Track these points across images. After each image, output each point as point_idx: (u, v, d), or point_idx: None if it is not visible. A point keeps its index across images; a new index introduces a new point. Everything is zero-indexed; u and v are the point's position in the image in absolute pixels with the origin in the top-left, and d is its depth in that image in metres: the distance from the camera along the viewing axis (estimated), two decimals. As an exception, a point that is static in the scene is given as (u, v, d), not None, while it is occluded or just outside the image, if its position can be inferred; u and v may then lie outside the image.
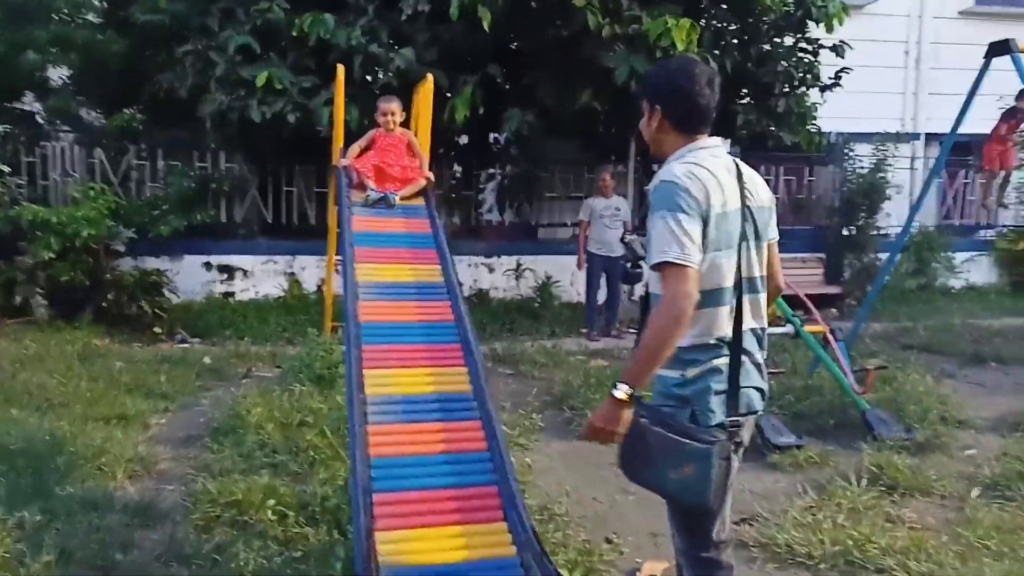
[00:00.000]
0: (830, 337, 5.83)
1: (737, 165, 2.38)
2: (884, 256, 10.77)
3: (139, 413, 5.20)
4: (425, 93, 5.69)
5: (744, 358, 2.30)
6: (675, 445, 2.20)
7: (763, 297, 2.39)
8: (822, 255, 10.96)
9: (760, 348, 2.38)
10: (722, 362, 2.26)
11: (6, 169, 8.10)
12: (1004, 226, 12.15)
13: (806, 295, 6.17)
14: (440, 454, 3.12)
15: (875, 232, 10.85)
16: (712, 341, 2.26)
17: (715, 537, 2.38)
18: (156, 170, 9.41)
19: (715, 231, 2.23)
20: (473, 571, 2.56)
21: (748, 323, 2.32)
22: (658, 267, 2.18)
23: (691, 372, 2.25)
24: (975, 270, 11.59)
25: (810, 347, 5.89)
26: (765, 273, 2.39)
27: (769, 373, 5.51)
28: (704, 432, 2.21)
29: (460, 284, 4.17)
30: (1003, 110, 9.40)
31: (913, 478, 4.29)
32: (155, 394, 5.73)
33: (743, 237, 2.30)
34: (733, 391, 2.26)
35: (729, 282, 2.28)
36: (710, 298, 2.24)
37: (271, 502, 3.55)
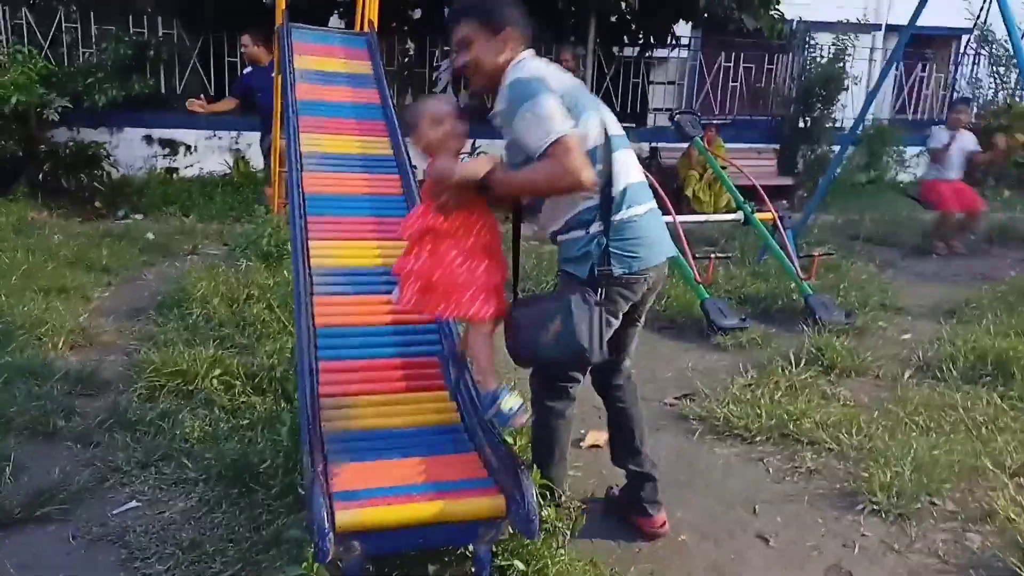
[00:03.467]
0: (779, 224, 5.90)
1: None
2: (838, 148, 10.86)
3: (80, 286, 5.06)
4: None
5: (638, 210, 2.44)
6: (536, 312, 2.40)
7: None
8: (776, 146, 10.96)
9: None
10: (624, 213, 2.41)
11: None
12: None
13: (759, 185, 6.20)
14: (387, 325, 3.09)
15: (830, 124, 10.85)
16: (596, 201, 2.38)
17: (573, 373, 2.60)
18: (89, 35, 8.82)
19: (568, 102, 2.32)
20: (417, 435, 2.58)
21: (634, 175, 2.47)
22: (545, 152, 2.22)
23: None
24: (923, 164, 11.72)
25: (759, 234, 5.96)
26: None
27: (718, 257, 5.57)
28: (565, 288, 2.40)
29: (409, 155, 4.04)
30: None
31: (850, 359, 4.42)
32: (97, 268, 5.57)
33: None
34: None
35: (596, 141, 2.37)
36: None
37: (217, 372, 3.52)
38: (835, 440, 3.47)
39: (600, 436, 3.46)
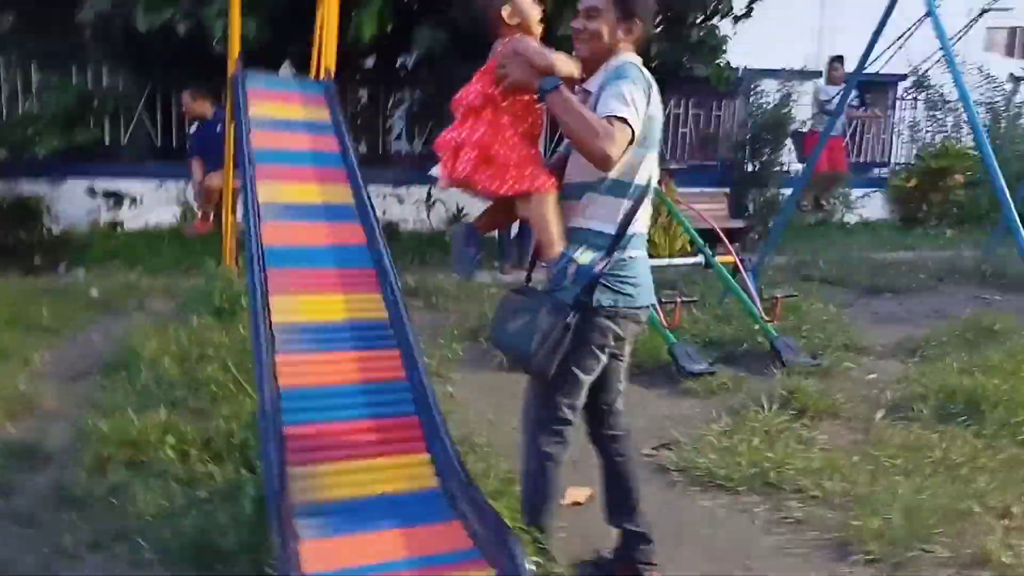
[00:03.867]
0: (740, 267, 5.91)
1: None
2: (787, 192, 11.09)
3: (19, 348, 4.76)
4: (330, 2, 5.27)
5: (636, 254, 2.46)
6: (514, 300, 2.53)
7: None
8: (727, 190, 11.13)
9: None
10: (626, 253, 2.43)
11: None
12: (897, 164, 12.65)
13: (710, 230, 6.22)
14: (356, 384, 2.93)
15: (778, 168, 11.08)
16: (611, 231, 2.40)
17: (565, 412, 2.52)
18: (30, 83, 8.53)
19: (649, 130, 2.38)
20: (394, 504, 2.41)
21: (643, 225, 2.50)
22: (606, 117, 2.24)
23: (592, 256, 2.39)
24: (869, 206, 12.04)
25: (720, 277, 5.96)
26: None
27: (683, 302, 5.52)
28: (547, 294, 2.44)
29: (372, 204, 3.92)
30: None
31: (821, 401, 4.38)
32: (37, 328, 5.27)
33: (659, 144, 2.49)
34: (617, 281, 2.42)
35: (643, 181, 2.42)
36: (619, 188, 2.39)
37: (170, 439, 3.29)
38: (819, 487, 3.40)
39: (580, 493, 3.32)
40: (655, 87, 2.40)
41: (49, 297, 6.05)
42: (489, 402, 4.41)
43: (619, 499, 2.70)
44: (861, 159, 12.73)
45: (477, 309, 6.38)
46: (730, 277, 5.84)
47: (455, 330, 5.74)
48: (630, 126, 2.24)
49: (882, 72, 9.52)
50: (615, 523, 2.71)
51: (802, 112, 11.51)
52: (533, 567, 2.20)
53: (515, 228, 8.63)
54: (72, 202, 8.40)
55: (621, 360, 2.62)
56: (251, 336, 3.11)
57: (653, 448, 3.92)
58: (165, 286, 6.73)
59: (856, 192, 11.83)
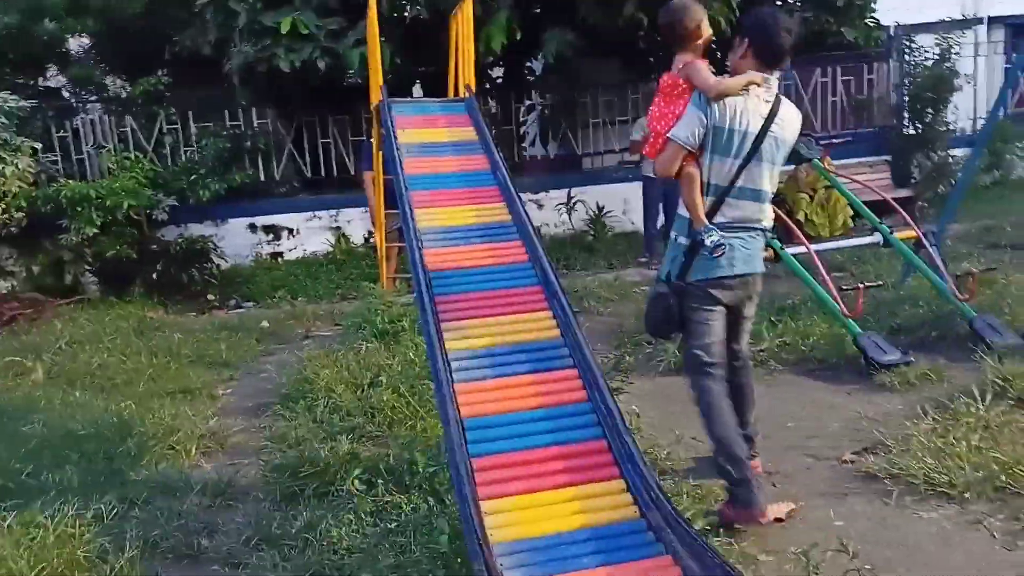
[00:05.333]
0: (924, 241, 5.37)
1: (779, 100, 3.08)
2: (956, 153, 10.13)
3: (204, 384, 5.02)
4: (465, 19, 5.24)
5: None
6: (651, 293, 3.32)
7: (751, 204, 3.08)
8: (887, 158, 10.32)
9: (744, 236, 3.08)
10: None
11: (37, 146, 7.88)
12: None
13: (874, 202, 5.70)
14: (536, 409, 2.82)
15: (944, 128, 10.16)
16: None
17: (704, 355, 3.09)
18: (188, 134, 9.12)
19: (724, 140, 3.00)
20: (596, 538, 2.27)
21: (726, 215, 3.04)
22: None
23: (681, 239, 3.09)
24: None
25: (902, 254, 5.44)
26: (768, 188, 3.11)
27: (867, 286, 5.07)
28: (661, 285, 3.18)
29: (530, 219, 3.81)
30: None
31: (1045, 389, 3.88)
32: (217, 363, 5.56)
33: (753, 154, 3.02)
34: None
35: (723, 182, 3.02)
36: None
37: (356, 471, 3.31)
38: (1064, 492, 2.97)
39: (782, 508, 3.06)
40: (724, 102, 2.99)
41: (225, 332, 6.38)
42: (664, 411, 4.20)
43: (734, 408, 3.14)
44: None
45: (631, 309, 6.18)
46: (913, 254, 5.33)
47: (616, 336, 5.56)
48: (676, 141, 3.02)
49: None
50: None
51: (965, 65, 10.53)
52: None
53: (660, 220, 8.36)
54: (235, 239, 8.88)
55: (743, 318, 3.25)
56: (430, 367, 3.06)
57: (854, 453, 3.58)
58: (327, 312, 6.96)
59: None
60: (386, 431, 3.89)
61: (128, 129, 8.99)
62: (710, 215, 3.00)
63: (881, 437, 3.64)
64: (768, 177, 3.08)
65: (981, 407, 3.75)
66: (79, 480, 3.53)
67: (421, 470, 3.21)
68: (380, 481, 3.26)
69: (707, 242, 2.92)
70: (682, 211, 3.11)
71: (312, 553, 2.88)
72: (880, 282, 5.42)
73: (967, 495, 3.06)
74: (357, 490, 3.22)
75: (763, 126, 3.01)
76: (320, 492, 3.33)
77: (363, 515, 3.07)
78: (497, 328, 3.15)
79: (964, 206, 8.78)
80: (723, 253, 2.94)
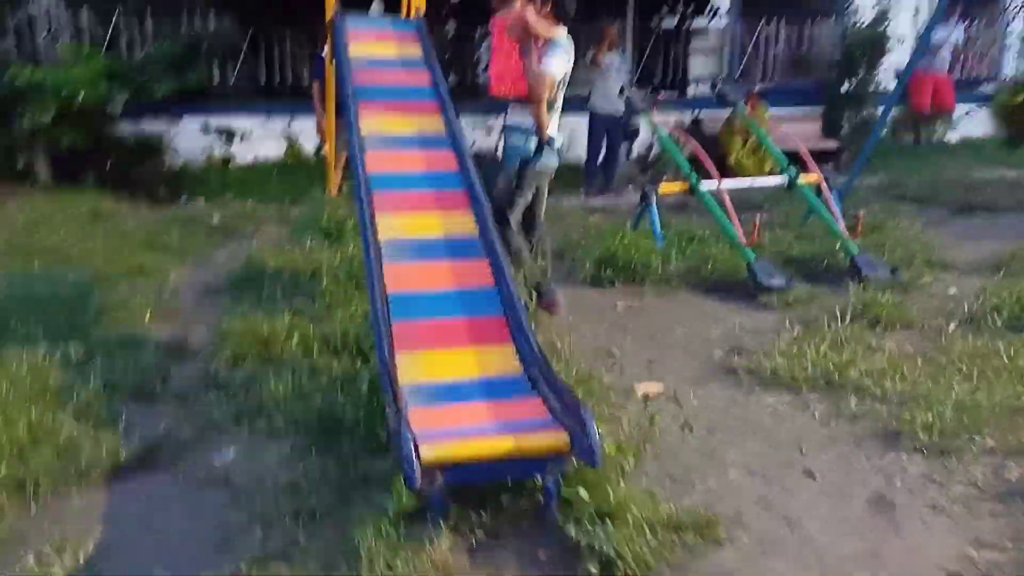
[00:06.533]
0: (823, 186, 6.01)
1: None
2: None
3: (157, 267, 5.40)
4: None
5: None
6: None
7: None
8: (820, 110, 10.91)
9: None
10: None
11: (-8, 30, 7.93)
12: (1005, 79, 12.02)
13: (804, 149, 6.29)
14: (452, 290, 3.34)
15: (874, 87, 10.76)
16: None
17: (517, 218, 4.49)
18: (144, 31, 9.18)
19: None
20: (486, 385, 2.83)
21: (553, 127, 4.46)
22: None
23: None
24: (973, 123, 11.55)
25: (804, 196, 6.06)
26: None
27: (759, 221, 5.60)
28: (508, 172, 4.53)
29: (462, 133, 4.26)
30: None
31: (895, 314, 4.54)
32: (169, 250, 5.92)
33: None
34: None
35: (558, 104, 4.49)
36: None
37: (295, 337, 3.81)
38: (880, 387, 3.63)
39: (652, 386, 3.67)
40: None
41: (176, 224, 6.72)
42: (573, 314, 4.77)
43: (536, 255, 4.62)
44: (965, 76, 12.15)
45: (562, 231, 6.71)
46: (814, 196, 5.95)
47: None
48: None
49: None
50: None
51: (900, 27, 11.09)
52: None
53: (601, 155, 8.84)
54: (188, 138, 9.08)
55: (543, 194, 4.68)
56: (362, 248, 3.54)
57: (724, 353, 4.21)
58: (276, 213, 7.32)
59: (959, 109, 11.36)
60: (324, 313, 4.38)
61: (85, 22, 9.01)
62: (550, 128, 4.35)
63: (749, 343, 4.28)
64: None
65: (839, 325, 4.41)
66: (43, 331, 3.95)
67: (352, 339, 3.73)
68: (316, 346, 3.78)
69: (557, 146, 4.42)
70: (527, 123, 4.37)
71: (253, 398, 3.40)
72: (766, 213, 6.00)
73: (804, 386, 3.71)
74: (295, 352, 3.72)
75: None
76: (262, 355, 3.83)
77: (299, 372, 3.58)
78: (425, 223, 3.64)
79: (885, 162, 9.53)
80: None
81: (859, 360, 3.88)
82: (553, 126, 4.43)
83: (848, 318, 4.51)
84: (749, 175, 9.25)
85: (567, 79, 4.44)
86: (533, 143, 4.38)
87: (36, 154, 8.10)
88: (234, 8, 9.24)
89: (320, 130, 7.29)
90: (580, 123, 9.00)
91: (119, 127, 8.54)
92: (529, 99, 4.28)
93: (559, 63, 4.26)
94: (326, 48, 7.09)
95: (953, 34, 7.67)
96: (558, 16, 4.27)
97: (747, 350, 4.19)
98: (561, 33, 4.29)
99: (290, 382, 3.42)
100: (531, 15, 4.19)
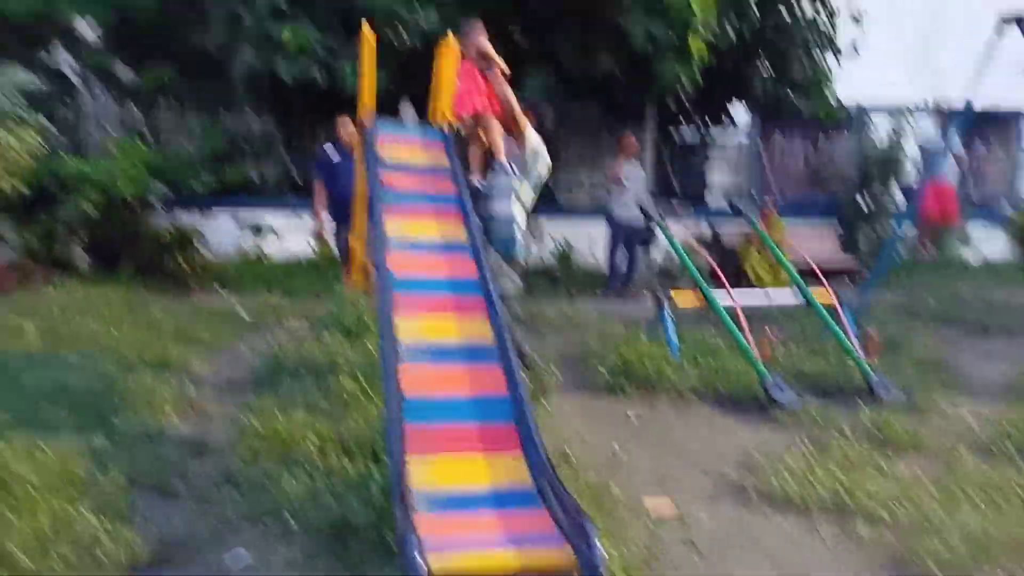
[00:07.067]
0: (836, 304, 6.11)
1: None
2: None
3: (183, 358, 5.56)
4: (449, 53, 5.86)
5: None
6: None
7: None
8: (837, 223, 11.10)
9: None
10: None
11: (45, 122, 8.38)
12: (1022, 201, 12.22)
13: (819, 266, 6.43)
14: (466, 395, 3.43)
15: (891, 204, 10.98)
16: None
17: None
18: (187, 126, 9.70)
19: None
20: (494, 495, 2.88)
21: None
22: None
23: None
24: (992, 245, 11.67)
25: (817, 314, 6.15)
26: None
27: (774, 336, 5.72)
28: None
29: (483, 242, 4.44)
30: None
31: (908, 436, 4.55)
32: (196, 342, 6.09)
33: None
34: None
35: None
36: None
37: (311, 436, 3.90)
38: (889, 512, 3.62)
39: (662, 505, 3.69)
40: None
41: (204, 316, 6.93)
42: (584, 421, 4.83)
43: None
44: (983, 195, 12.39)
45: (579, 337, 6.81)
46: (826, 313, 6.04)
47: (556, 356, 6.18)
48: None
49: (1005, 106, 9.41)
50: None
51: (916, 147, 11.40)
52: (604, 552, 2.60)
53: (622, 256, 9.02)
54: (221, 232, 9.44)
55: None
56: (380, 349, 3.66)
57: (734, 469, 4.22)
58: (301, 308, 7.52)
59: (977, 231, 11.53)
60: (341, 410, 4.47)
61: (130, 116, 9.54)
62: None
63: (758, 459, 4.30)
64: None
65: (849, 444, 4.43)
66: (71, 423, 4.08)
67: (365, 439, 3.80)
68: (330, 444, 3.86)
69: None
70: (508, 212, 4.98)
71: (268, 497, 3.46)
72: (782, 335, 6.09)
73: (813, 509, 3.71)
74: (310, 452, 3.80)
75: None
76: (279, 453, 3.91)
77: (313, 472, 3.65)
78: (443, 327, 3.77)
79: (902, 279, 9.63)
80: None
81: (869, 483, 3.88)
82: (521, 220, 4.95)
83: (859, 439, 4.52)
84: (765, 285, 9.42)
85: (541, 180, 5.02)
86: (519, 235, 4.91)
87: (75, 242, 8.44)
88: (273, 108, 9.75)
89: (315, 231, 7.54)
90: (598, 229, 9.26)
91: (155, 219, 8.91)
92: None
93: (536, 139, 4.97)
94: (328, 144, 7.49)
95: (953, 142, 7.92)
96: (539, 128, 4.98)
97: (758, 468, 4.20)
98: (532, 138, 4.92)
99: (304, 482, 3.48)
100: (484, 42, 4.84)
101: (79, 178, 8.10)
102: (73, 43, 10.51)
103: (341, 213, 7.25)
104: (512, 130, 4.96)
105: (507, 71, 4.93)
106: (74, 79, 10.64)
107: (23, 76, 8.07)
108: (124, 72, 10.63)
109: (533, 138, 4.98)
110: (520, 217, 5.14)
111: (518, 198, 5.09)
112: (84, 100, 9.77)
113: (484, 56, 4.86)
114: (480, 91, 4.93)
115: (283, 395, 4.69)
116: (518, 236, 5.05)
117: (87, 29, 10.44)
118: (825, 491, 3.80)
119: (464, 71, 5.02)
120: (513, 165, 5.03)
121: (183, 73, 9.83)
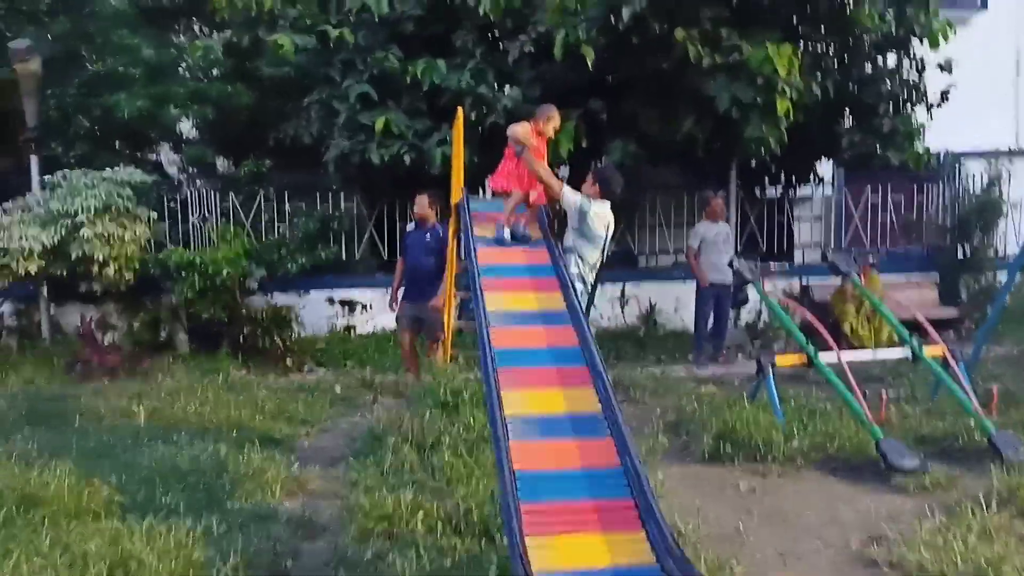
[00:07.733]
0: (950, 358, 5.79)
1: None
2: (1004, 276, 10.41)
3: (286, 436, 5.65)
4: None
5: None
6: None
7: None
8: (935, 277, 10.68)
9: None
10: None
11: (153, 215, 8.87)
12: None
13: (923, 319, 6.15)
14: (577, 469, 3.35)
15: (992, 252, 10.51)
16: None
17: None
18: (283, 211, 10.09)
19: None
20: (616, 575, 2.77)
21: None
22: None
23: None
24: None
25: (931, 369, 5.85)
26: None
27: (888, 396, 5.46)
28: None
29: (582, 310, 4.42)
30: None
31: (1047, 501, 4.23)
32: (296, 420, 6.21)
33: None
34: None
35: None
36: None
37: (420, 515, 3.86)
38: (1042, 588, 3.34)
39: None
40: None
41: (302, 393, 7.07)
42: (693, 493, 4.65)
43: None
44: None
45: (675, 403, 6.65)
46: (941, 369, 5.74)
47: (656, 423, 6.04)
48: None
49: None
50: None
51: (1015, 192, 10.93)
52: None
53: (711, 322, 8.85)
54: (314, 310, 9.69)
55: None
56: (490, 426, 3.63)
57: (861, 542, 3.97)
58: (393, 382, 7.60)
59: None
60: (446, 487, 4.44)
61: (230, 204, 10.00)
62: None
63: (888, 531, 4.03)
64: None
65: (985, 513, 4.13)
66: (185, 504, 4.16)
67: (475, 518, 3.75)
68: (440, 524, 3.81)
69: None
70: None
71: (380, 578, 3.43)
72: (894, 393, 5.80)
73: (955, 586, 3.45)
74: (420, 531, 3.76)
75: None
76: (388, 532, 3.88)
77: (423, 552, 3.60)
78: (548, 399, 3.72)
79: (1012, 330, 9.12)
80: None
81: (1013, 555, 3.60)
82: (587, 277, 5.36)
83: (994, 505, 4.22)
84: (865, 344, 9.05)
85: (605, 245, 5.40)
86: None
87: (178, 326, 8.81)
88: (363, 189, 10.08)
89: (392, 306, 7.64)
90: (687, 291, 9.12)
91: (254, 300, 9.23)
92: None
93: (573, 200, 5.29)
94: (411, 224, 7.68)
95: None
96: (603, 191, 5.36)
97: (886, 539, 3.95)
98: (603, 204, 5.32)
99: (415, 563, 3.44)
100: (514, 129, 5.41)
101: (185, 265, 8.50)
102: (174, 138, 11.18)
103: (409, 284, 7.36)
104: (551, 198, 5.54)
105: (542, 151, 5.49)
106: (175, 173, 11.31)
107: (133, 174, 8.60)
108: (222, 163, 11.23)
109: (570, 199, 5.33)
110: (585, 276, 5.38)
111: (580, 257, 5.32)
112: (185, 192, 10.32)
113: (517, 141, 5.34)
114: (510, 170, 5.46)
115: (386, 471, 4.69)
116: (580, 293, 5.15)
117: (188, 126, 11.12)
118: (965, 564, 3.53)
119: (508, 151, 5.48)
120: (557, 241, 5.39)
121: (278, 162, 10.31)
